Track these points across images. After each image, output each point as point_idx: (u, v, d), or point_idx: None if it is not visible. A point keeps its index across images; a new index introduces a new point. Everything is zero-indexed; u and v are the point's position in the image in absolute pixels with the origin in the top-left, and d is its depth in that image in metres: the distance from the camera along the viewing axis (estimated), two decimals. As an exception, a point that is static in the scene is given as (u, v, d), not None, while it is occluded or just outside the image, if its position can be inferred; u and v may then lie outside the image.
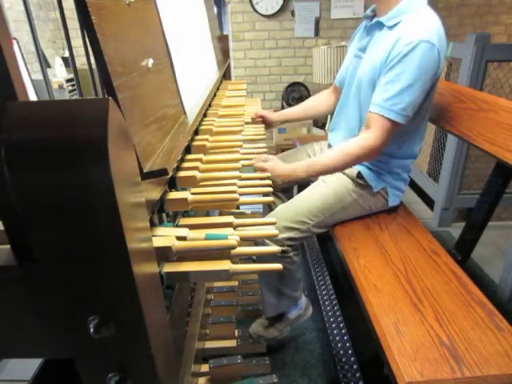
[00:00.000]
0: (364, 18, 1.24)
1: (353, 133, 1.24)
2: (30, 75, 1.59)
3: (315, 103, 1.54)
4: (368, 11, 1.23)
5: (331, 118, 1.43)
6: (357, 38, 1.29)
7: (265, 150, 1.09)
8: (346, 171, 1.29)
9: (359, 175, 1.25)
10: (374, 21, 1.16)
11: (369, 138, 1.10)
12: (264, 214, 1.54)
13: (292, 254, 1.22)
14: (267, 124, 1.47)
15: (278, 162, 1.18)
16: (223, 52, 1.85)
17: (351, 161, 1.13)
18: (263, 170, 1.10)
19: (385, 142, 1.09)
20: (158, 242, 0.55)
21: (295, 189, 1.65)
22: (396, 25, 1.08)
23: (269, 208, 1.53)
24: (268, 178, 0.88)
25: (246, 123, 1.05)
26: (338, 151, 1.14)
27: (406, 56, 1.02)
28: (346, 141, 1.16)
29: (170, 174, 0.60)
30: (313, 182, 1.38)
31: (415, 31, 1.02)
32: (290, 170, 1.17)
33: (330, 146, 1.44)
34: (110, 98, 0.38)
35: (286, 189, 1.54)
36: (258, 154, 1.07)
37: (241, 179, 0.80)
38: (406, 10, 1.07)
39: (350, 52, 1.30)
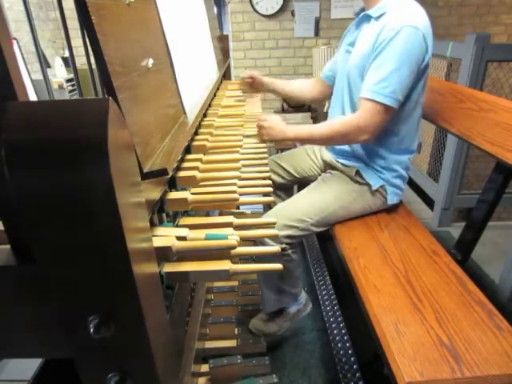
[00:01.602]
0: (355, 16, 1.27)
1: None
2: (30, 75, 1.59)
3: (301, 88, 1.54)
4: (358, 9, 1.26)
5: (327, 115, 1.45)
6: (347, 35, 1.31)
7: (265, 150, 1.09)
8: (345, 170, 1.29)
9: (358, 173, 1.26)
10: (361, 15, 1.20)
11: (353, 116, 1.12)
12: (264, 211, 1.54)
13: (290, 252, 1.22)
14: (254, 87, 1.51)
15: (274, 123, 1.17)
16: (223, 52, 1.85)
17: (336, 136, 1.14)
18: (261, 128, 1.14)
19: (374, 124, 1.10)
20: (157, 242, 0.55)
21: (295, 188, 1.65)
22: (382, 15, 1.12)
23: (268, 207, 1.53)
24: (265, 133, 0.91)
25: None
26: (325, 124, 1.18)
27: (392, 40, 1.05)
28: (340, 117, 1.20)
29: (170, 173, 0.60)
30: (313, 181, 1.38)
31: (399, 17, 1.06)
32: (281, 133, 1.17)
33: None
34: (110, 98, 0.38)
35: (286, 187, 1.54)
36: (257, 152, 1.07)
37: (241, 179, 0.80)
38: (391, 1, 1.11)
39: (341, 49, 1.32)
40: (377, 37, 1.09)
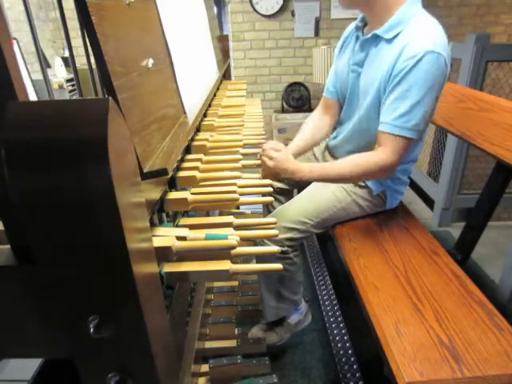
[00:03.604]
0: (355, 29, 1.16)
1: (353, 143, 1.25)
2: (30, 75, 1.59)
3: (314, 131, 1.36)
4: (358, 21, 1.15)
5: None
6: (349, 50, 1.20)
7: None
8: None
9: None
10: (369, 35, 1.08)
11: (379, 154, 1.05)
12: (264, 215, 1.54)
13: (292, 255, 1.22)
14: None
15: (285, 156, 1.08)
16: (223, 52, 1.85)
17: (361, 174, 1.08)
18: (269, 157, 1.04)
19: (399, 159, 1.05)
20: (157, 242, 0.55)
21: (295, 192, 1.64)
22: (395, 37, 1.02)
23: (267, 209, 1.52)
24: (270, 172, 0.82)
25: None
26: (347, 163, 1.09)
27: (412, 70, 0.96)
28: (360, 154, 1.10)
29: (170, 173, 0.60)
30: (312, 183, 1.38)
31: (418, 42, 0.97)
32: (294, 169, 1.08)
33: (327, 148, 1.44)
34: (110, 97, 0.38)
35: (286, 191, 1.54)
36: (257, 153, 1.07)
37: (241, 179, 0.80)
38: (404, 18, 1.01)
39: (343, 65, 1.22)
40: (394, 64, 1.00)
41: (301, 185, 1.52)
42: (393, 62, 1.00)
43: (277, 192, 1.46)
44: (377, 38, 1.07)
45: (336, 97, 1.32)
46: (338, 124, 1.35)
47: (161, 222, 0.66)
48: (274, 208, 1.40)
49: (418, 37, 0.98)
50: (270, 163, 1.05)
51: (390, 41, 1.03)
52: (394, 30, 1.02)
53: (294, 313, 1.38)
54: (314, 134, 1.35)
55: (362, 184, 1.25)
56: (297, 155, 1.28)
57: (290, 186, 1.51)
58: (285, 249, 1.18)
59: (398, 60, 0.99)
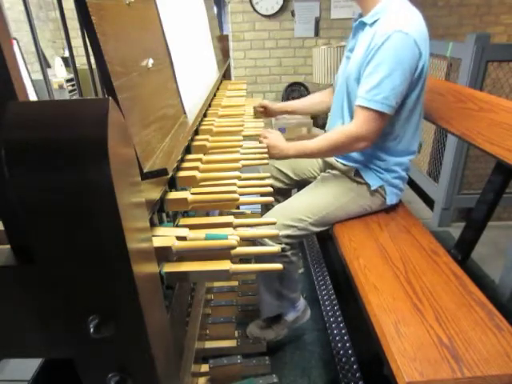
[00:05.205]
0: (353, 22, 1.27)
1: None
2: (30, 75, 1.59)
3: (318, 100, 1.55)
4: (356, 15, 1.26)
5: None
6: (349, 40, 1.31)
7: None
8: (343, 169, 1.29)
9: (357, 173, 1.26)
10: (357, 22, 1.20)
11: (350, 125, 1.14)
12: (262, 214, 1.54)
13: (290, 254, 1.22)
14: (268, 114, 1.51)
15: (277, 136, 1.21)
16: (223, 52, 1.85)
17: (333, 147, 1.16)
18: (264, 136, 1.18)
19: (371, 131, 1.11)
20: (157, 242, 0.55)
21: (294, 192, 1.65)
22: (375, 22, 1.12)
23: (266, 209, 1.53)
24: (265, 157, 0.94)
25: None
26: (323, 138, 1.19)
27: (382, 47, 1.05)
28: (334, 129, 1.22)
29: (170, 173, 0.60)
30: (312, 182, 1.38)
31: (389, 23, 1.06)
32: (283, 147, 1.19)
33: None
34: (110, 97, 0.38)
35: (285, 191, 1.55)
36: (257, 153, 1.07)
37: (241, 179, 0.80)
38: (385, 7, 1.11)
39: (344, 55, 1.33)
40: (369, 44, 1.10)
41: (300, 184, 1.53)
42: (369, 42, 1.11)
43: (276, 193, 1.47)
44: (363, 25, 1.18)
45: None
46: (331, 112, 1.40)
47: (161, 222, 0.66)
48: (273, 206, 1.41)
49: (391, 19, 1.08)
50: (265, 141, 1.17)
51: (371, 25, 1.14)
52: (374, 16, 1.13)
53: (291, 310, 1.38)
54: (314, 104, 1.54)
55: (361, 181, 1.25)
56: (279, 113, 1.54)
57: (290, 185, 1.52)
58: (283, 246, 1.18)
59: (372, 40, 1.09)
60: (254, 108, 1.45)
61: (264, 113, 1.50)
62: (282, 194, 1.54)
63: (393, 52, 1.04)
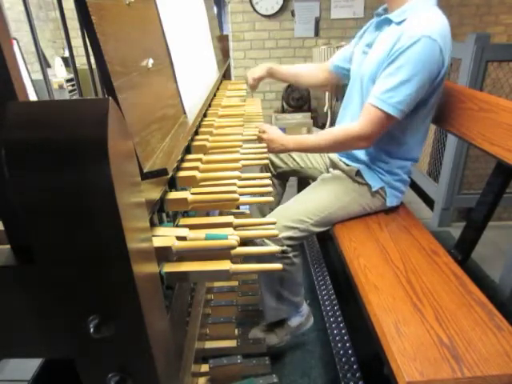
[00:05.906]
0: (375, 16, 1.25)
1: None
2: (30, 75, 1.59)
3: (307, 73, 1.54)
4: (380, 9, 1.24)
5: (331, 114, 1.44)
6: (366, 35, 1.28)
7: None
8: (345, 169, 1.29)
9: (358, 173, 1.26)
10: (383, 17, 1.17)
11: (355, 125, 1.13)
12: (252, 213, 1.53)
13: (291, 255, 1.21)
14: (270, 76, 1.53)
15: (275, 130, 1.21)
16: (223, 52, 1.85)
17: (333, 143, 1.16)
18: (263, 131, 1.18)
19: (374, 132, 1.10)
20: (158, 242, 0.55)
21: (295, 188, 1.64)
22: (403, 21, 1.09)
23: (261, 214, 1.51)
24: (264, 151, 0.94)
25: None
26: (325, 133, 1.19)
27: (407, 50, 1.03)
28: (338, 125, 1.22)
29: (170, 173, 0.60)
30: (313, 178, 1.38)
31: (418, 27, 1.03)
32: (281, 146, 1.20)
33: None
34: (110, 98, 0.38)
35: (283, 176, 1.54)
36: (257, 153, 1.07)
37: (241, 179, 0.80)
38: (414, 7, 1.08)
39: (359, 47, 1.30)
40: (394, 43, 1.07)
41: (302, 175, 1.52)
42: (394, 41, 1.07)
43: (275, 176, 1.50)
44: (388, 21, 1.16)
45: (339, 73, 1.44)
46: (341, 107, 1.38)
47: (161, 222, 0.66)
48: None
49: (420, 23, 1.04)
50: (264, 135, 1.18)
51: (397, 24, 1.11)
52: (402, 15, 1.10)
53: (294, 315, 1.38)
54: (302, 75, 1.53)
55: (362, 181, 1.25)
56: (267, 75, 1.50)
57: (290, 171, 1.51)
58: (284, 248, 1.18)
59: (398, 40, 1.06)
60: (247, 82, 1.47)
61: (256, 86, 1.50)
62: (279, 177, 1.53)
63: (417, 57, 1.02)
